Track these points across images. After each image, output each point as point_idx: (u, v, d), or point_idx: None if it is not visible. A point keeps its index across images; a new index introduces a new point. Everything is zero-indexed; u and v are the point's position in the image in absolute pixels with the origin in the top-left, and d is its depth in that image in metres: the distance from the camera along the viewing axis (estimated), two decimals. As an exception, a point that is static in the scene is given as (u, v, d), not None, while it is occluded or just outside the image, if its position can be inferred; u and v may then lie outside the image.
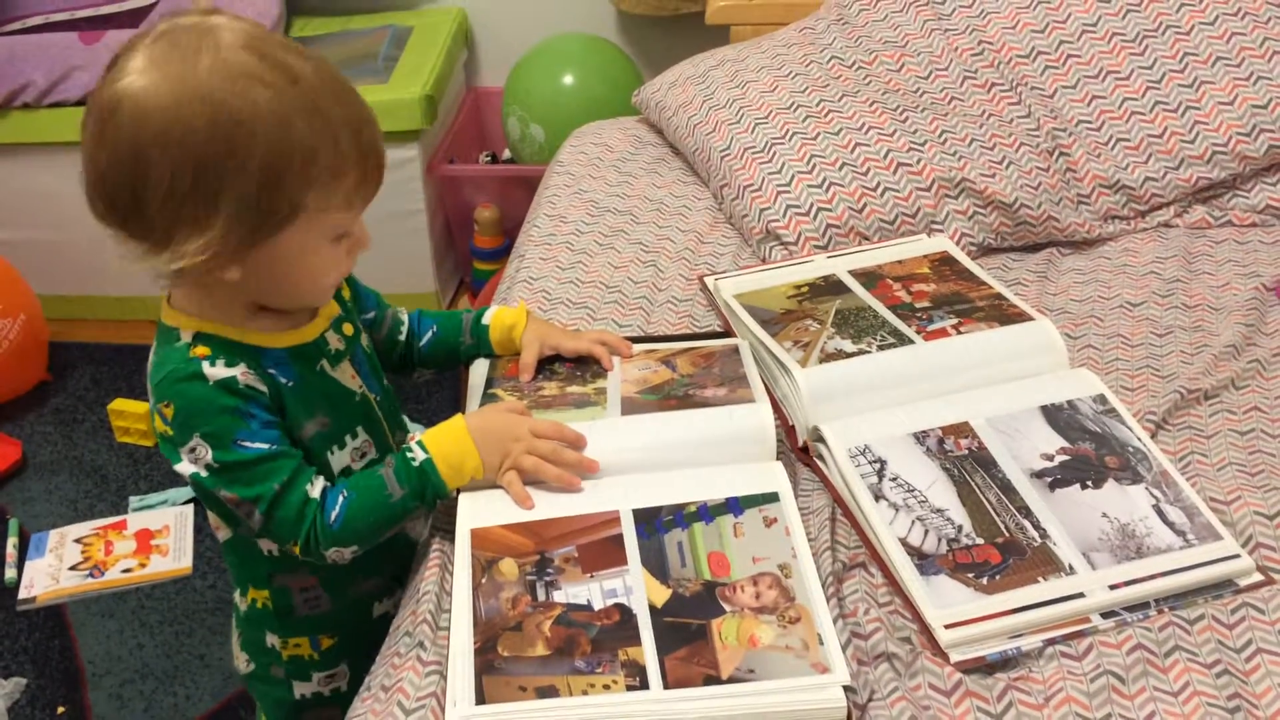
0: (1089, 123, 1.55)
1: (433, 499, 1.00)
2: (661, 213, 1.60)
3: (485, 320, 1.21)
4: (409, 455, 0.99)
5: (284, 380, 0.97)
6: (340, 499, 0.97)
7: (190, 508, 2.11)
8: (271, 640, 1.12)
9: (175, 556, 2.02)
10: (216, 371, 0.93)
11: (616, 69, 2.38)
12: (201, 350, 0.94)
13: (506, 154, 2.59)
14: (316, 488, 0.96)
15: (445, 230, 2.49)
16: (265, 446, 0.94)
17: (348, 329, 1.06)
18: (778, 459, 1.07)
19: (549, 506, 0.99)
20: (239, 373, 0.94)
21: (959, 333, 1.22)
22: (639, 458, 1.04)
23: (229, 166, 0.85)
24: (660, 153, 1.76)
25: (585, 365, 1.19)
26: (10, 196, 2.41)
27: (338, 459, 1.03)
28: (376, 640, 1.00)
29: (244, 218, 0.86)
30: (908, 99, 1.59)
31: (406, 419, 1.19)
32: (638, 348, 1.22)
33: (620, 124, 1.87)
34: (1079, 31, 1.61)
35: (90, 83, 2.23)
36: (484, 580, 0.93)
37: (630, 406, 1.10)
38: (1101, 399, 1.15)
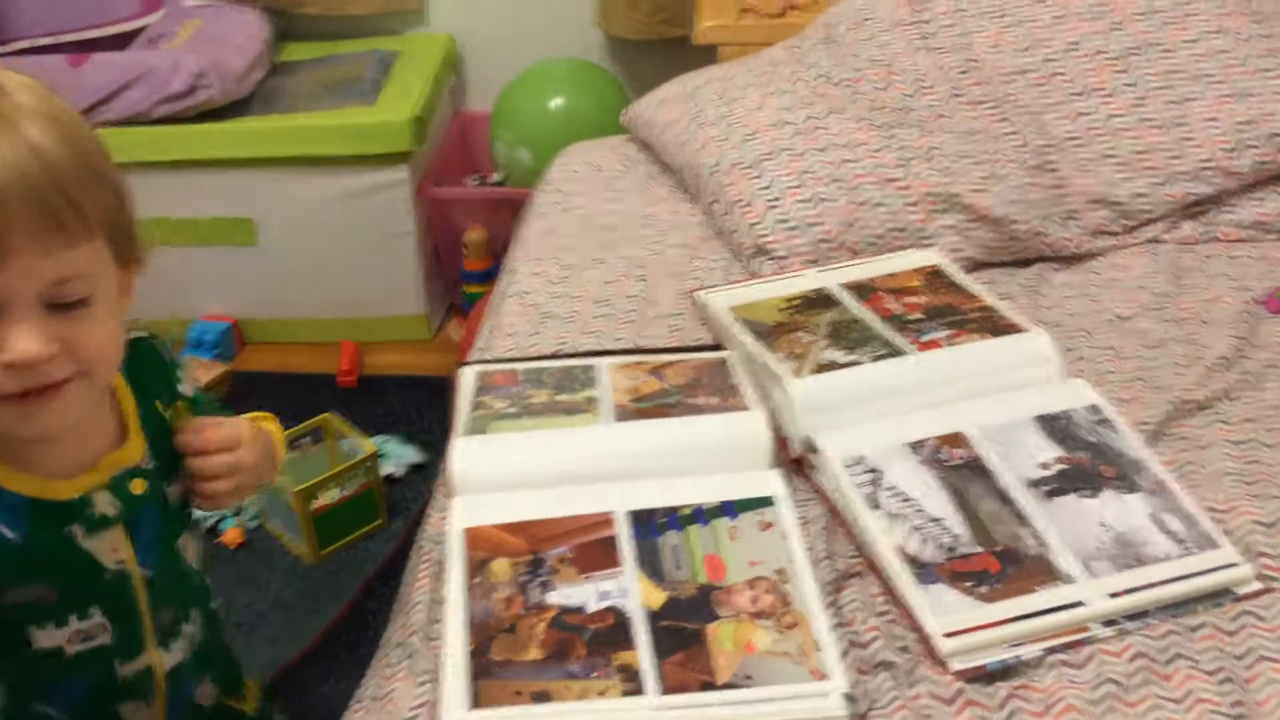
0: (1076, 139, 1.56)
1: None
2: (651, 229, 1.60)
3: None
4: None
5: (9, 534, 0.77)
6: None
7: None
8: None
9: None
10: None
11: (604, 92, 2.39)
12: None
13: (494, 177, 2.59)
14: None
15: (434, 253, 2.49)
16: None
17: (137, 486, 0.83)
18: (772, 468, 1.06)
19: (542, 506, 0.98)
20: None
21: (952, 344, 1.22)
22: (634, 464, 1.03)
23: None
24: (649, 170, 1.76)
25: (573, 375, 1.19)
26: (-7, 219, 2.39)
27: (47, 636, 0.81)
28: None
29: None
30: (895, 116, 1.60)
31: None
32: (628, 359, 1.22)
33: (609, 143, 1.87)
34: (1063, 50, 1.62)
35: (78, 105, 2.21)
36: (476, 580, 0.92)
37: (623, 414, 1.09)
38: (1096, 409, 1.15)
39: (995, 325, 1.25)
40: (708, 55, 2.07)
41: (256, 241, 2.35)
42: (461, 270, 2.44)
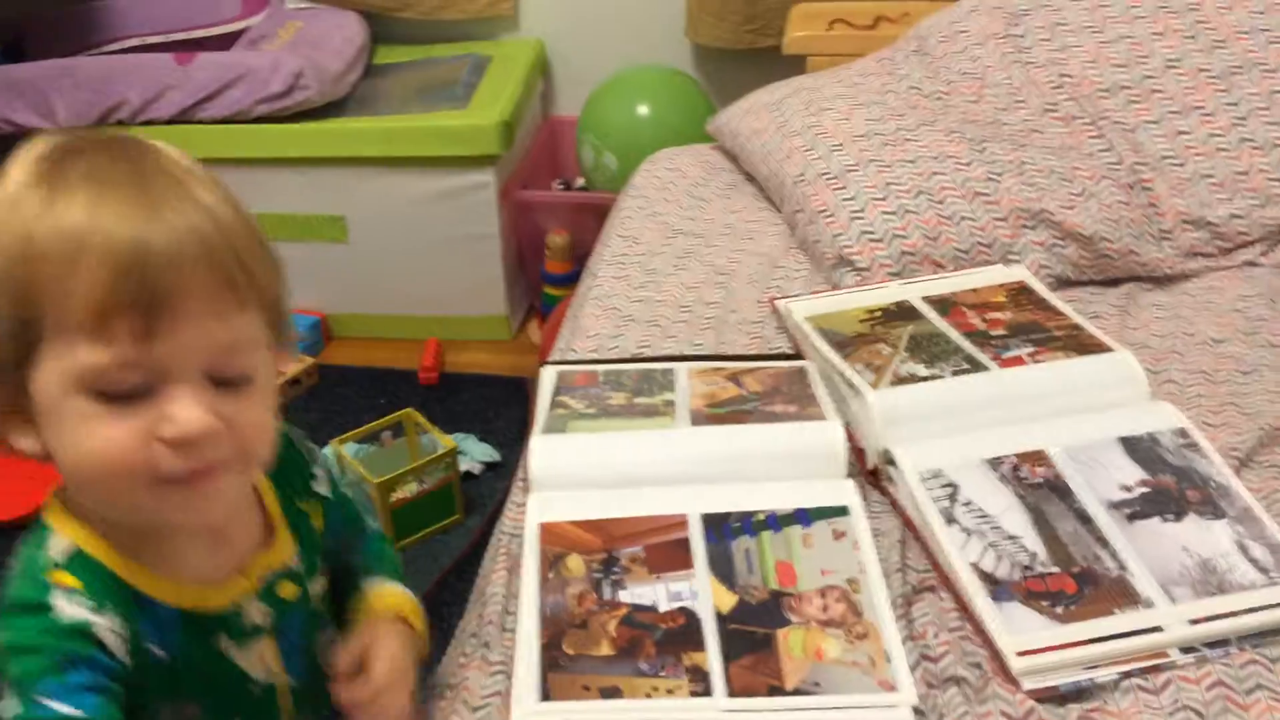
0: (1172, 158, 1.53)
1: None
2: (734, 237, 1.61)
3: (370, 588, 0.88)
4: None
5: (159, 652, 0.71)
6: None
7: None
8: None
9: None
10: (73, 610, 0.68)
11: (691, 100, 2.40)
12: (67, 579, 0.69)
13: (579, 182, 2.62)
14: None
15: (517, 255, 2.52)
16: (71, 712, 0.65)
17: (287, 590, 0.78)
18: (848, 478, 1.06)
19: (617, 505, 0.99)
20: (104, 622, 0.68)
21: (1035, 361, 1.21)
22: (709, 468, 1.04)
23: None
24: (733, 179, 1.77)
25: (652, 379, 1.20)
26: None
27: None
28: None
29: None
30: (986, 130, 1.58)
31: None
32: (707, 364, 1.22)
33: (694, 150, 1.89)
34: (1162, 67, 1.59)
35: (183, 102, 2.30)
36: (550, 575, 0.93)
37: (699, 419, 1.10)
38: (1183, 432, 1.12)
39: (1081, 344, 1.23)
40: (796, 65, 2.07)
41: (347, 239, 2.42)
42: (543, 273, 2.47)
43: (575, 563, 0.94)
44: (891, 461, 1.10)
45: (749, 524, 0.98)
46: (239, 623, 0.75)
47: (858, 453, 1.16)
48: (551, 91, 2.71)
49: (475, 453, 2.09)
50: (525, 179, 2.49)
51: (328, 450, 1.95)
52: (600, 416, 1.10)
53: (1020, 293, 1.36)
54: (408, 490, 1.91)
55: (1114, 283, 1.48)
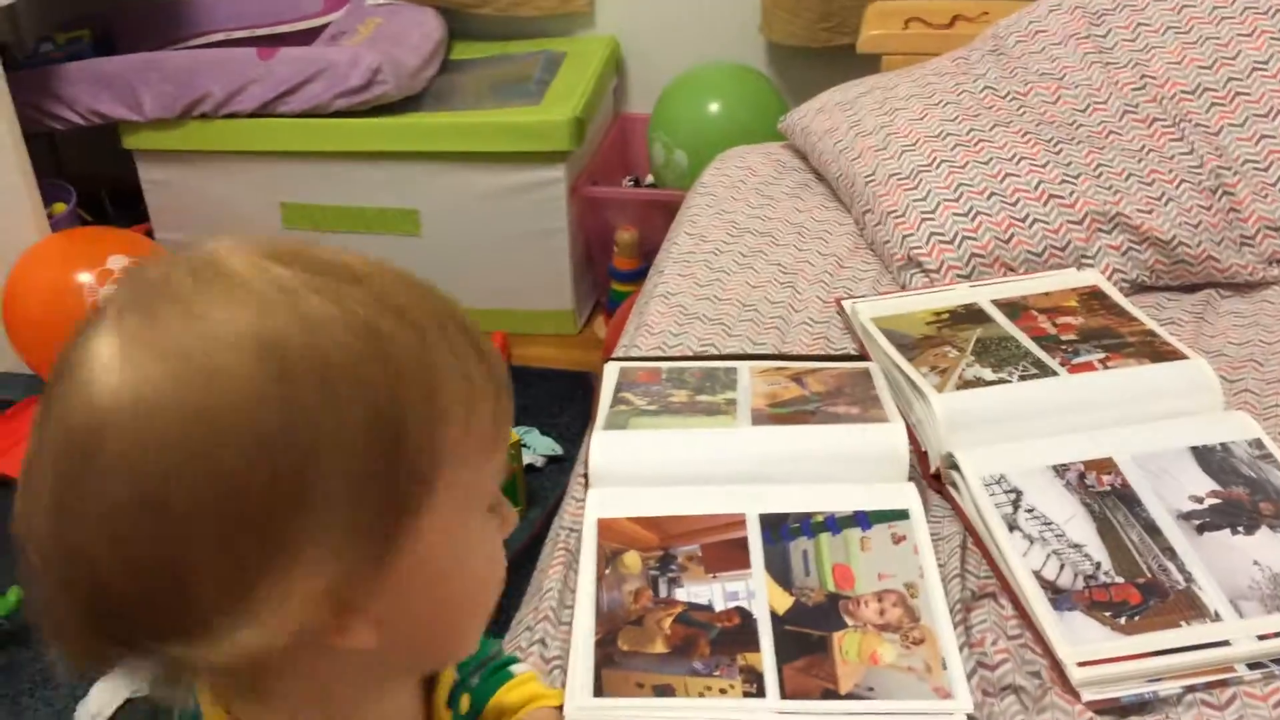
0: (1256, 162, 1.49)
1: None
2: (802, 236, 1.60)
3: (513, 669, 0.76)
4: None
5: None
6: None
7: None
8: None
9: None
10: None
11: (763, 98, 2.39)
12: None
13: (648, 179, 2.63)
14: None
15: (585, 250, 2.54)
16: None
17: (465, 704, 0.68)
18: (909, 481, 1.05)
19: (676, 503, 1.00)
20: None
21: (1106, 367, 1.18)
22: (769, 468, 1.04)
23: (314, 451, 0.47)
24: (803, 178, 1.76)
25: (714, 377, 1.20)
26: (185, 200, 2.56)
27: None
28: None
29: (358, 524, 0.48)
30: (1063, 131, 1.55)
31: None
32: (770, 364, 1.22)
33: (764, 149, 1.88)
34: (1249, 69, 1.55)
35: (264, 95, 2.35)
36: (607, 571, 0.94)
37: (760, 418, 1.10)
38: (1258, 443, 1.10)
39: (1154, 350, 1.21)
40: (871, 64, 2.05)
41: (420, 232, 2.45)
42: (610, 269, 2.48)
43: (632, 559, 0.95)
44: (954, 466, 1.09)
45: (807, 525, 0.98)
46: None
47: (920, 456, 1.15)
48: (624, 88, 2.72)
49: (538, 446, 2.11)
50: (595, 175, 2.50)
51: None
52: (662, 414, 1.11)
53: (1093, 297, 1.34)
54: (473, 481, 1.93)
55: (1191, 289, 1.45)
